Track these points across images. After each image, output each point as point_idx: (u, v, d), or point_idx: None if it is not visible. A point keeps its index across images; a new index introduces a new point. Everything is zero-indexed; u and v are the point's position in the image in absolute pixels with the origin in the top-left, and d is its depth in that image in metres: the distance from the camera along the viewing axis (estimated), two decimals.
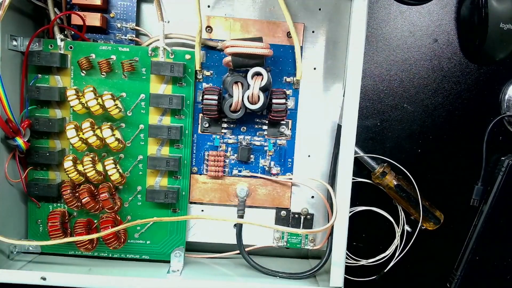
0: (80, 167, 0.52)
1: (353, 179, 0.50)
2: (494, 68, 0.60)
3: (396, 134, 0.61)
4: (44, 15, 0.54)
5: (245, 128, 0.56)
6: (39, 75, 0.52)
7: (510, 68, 0.60)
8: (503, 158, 0.60)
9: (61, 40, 0.52)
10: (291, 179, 0.57)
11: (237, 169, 0.57)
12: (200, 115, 0.56)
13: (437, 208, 0.61)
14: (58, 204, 0.55)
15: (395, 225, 0.62)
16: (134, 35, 0.54)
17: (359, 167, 0.61)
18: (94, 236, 0.51)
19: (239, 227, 0.55)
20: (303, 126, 0.57)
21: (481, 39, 0.57)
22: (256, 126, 0.56)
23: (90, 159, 0.52)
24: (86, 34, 0.53)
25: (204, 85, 0.55)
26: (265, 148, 0.56)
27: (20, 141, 0.50)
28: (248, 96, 0.51)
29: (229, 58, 0.51)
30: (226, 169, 0.57)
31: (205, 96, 0.52)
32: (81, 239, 0.51)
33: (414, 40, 0.60)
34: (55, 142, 0.54)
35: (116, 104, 0.51)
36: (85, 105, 0.51)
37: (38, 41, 0.51)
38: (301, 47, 0.55)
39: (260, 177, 0.57)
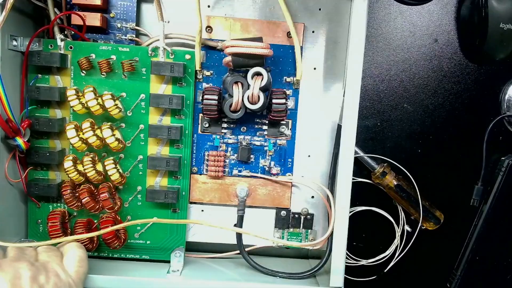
0: (80, 167, 0.52)
1: (353, 179, 0.50)
2: (494, 68, 0.60)
3: (396, 134, 0.61)
4: (44, 15, 0.54)
5: (245, 128, 0.56)
6: (39, 75, 0.52)
7: (510, 68, 0.60)
8: (503, 158, 0.60)
9: (61, 40, 0.52)
10: (291, 179, 0.57)
11: (237, 169, 0.57)
12: (200, 115, 0.56)
13: (437, 208, 0.61)
14: (58, 204, 0.55)
15: (395, 225, 0.62)
16: (134, 35, 0.54)
17: (359, 167, 0.61)
18: (91, 234, 0.50)
19: (239, 227, 0.55)
20: (303, 126, 0.57)
21: (481, 39, 0.57)
22: (256, 126, 0.56)
23: (90, 159, 0.52)
24: (86, 34, 0.53)
25: (204, 85, 0.55)
26: (265, 148, 0.56)
27: (20, 141, 0.50)
28: (248, 96, 0.51)
29: (229, 58, 0.51)
30: (226, 169, 0.57)
31: (205, 96, 0.52)
32: (79, 237, 0.51)
33: (414, 40, 0.60)
34: (55, 142, 0.54)
35: (116, 104, 0.51)
36: (85, 105, 0.51)
37: (38, 41, 0.51)
38: (301, 47, 0.55)
39: (260, 177, 0.57)
